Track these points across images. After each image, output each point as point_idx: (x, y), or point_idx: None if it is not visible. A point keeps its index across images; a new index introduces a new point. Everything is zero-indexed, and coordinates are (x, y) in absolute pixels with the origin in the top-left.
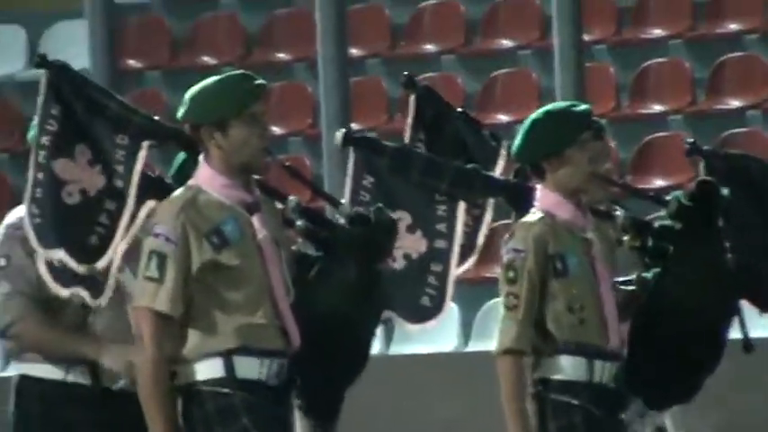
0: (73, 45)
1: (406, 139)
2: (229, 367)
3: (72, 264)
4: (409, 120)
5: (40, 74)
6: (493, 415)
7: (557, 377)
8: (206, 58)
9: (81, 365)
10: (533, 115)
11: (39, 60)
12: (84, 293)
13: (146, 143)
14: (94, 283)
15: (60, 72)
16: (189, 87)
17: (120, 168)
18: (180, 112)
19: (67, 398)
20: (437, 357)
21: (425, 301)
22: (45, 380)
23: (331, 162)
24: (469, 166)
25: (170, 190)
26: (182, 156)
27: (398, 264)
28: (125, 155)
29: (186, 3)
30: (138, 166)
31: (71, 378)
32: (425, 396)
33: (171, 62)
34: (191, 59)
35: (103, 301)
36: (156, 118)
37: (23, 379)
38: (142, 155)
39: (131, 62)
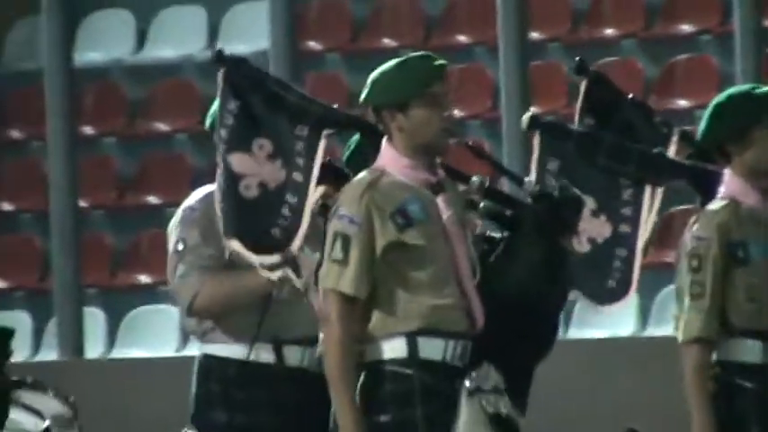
0: (253, 26)
1: (575, 123)
2: (413, 348)
3: (246, 255)
4: (579, 104)
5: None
6: (669, 399)
7: (733, 359)
8: (386, 41)
9: (265, 344)
10: (717, 99)
11: (216, 56)
12: (292, 274)
13: (325, 132)
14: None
15: (238, 67)
16: (369, 70)
17: (300, 161)
18: (362, 96)
19: (250, 377)
20: (615, 342)
21: (612, 283)
22: (228, 359)
23: (510, 145)
24: (654, 150)
25: (346, 176)
26: (356, 138)
27: (584, 247)
28: (305, 146)
29: None
30: (319, 156)
31: (253, 357)
32: (602, 380)
33: (351, 44)
34: (371, 42)
35: (304, 282)
36: (335, 106)
37: (206, 358)
38: (322, 144)
39: (312, 44)
